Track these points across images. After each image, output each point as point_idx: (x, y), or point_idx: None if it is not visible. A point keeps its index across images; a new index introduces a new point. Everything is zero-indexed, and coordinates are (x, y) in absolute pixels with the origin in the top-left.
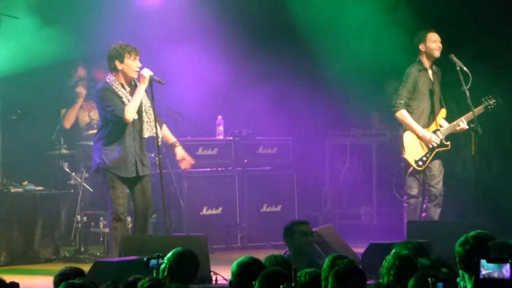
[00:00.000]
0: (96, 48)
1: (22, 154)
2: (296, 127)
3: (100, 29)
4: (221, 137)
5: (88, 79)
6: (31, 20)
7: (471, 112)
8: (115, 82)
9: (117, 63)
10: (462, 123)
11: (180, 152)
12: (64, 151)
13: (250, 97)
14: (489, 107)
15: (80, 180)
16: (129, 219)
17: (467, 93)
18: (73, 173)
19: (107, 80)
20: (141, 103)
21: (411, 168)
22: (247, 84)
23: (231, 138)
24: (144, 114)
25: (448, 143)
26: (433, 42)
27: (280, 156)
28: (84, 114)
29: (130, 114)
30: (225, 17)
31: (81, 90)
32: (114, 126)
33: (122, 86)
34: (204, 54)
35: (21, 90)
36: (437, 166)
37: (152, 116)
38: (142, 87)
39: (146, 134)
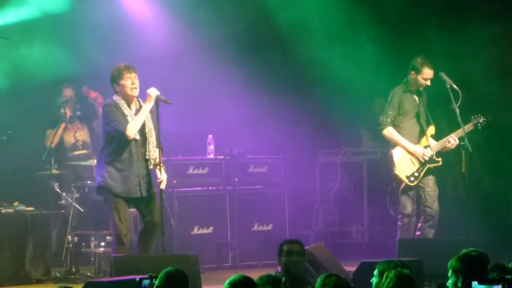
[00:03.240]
0: (86, 68)
1: (13, 174)
2: (286, 145)
3: (90, 49)
4: (211, 156)
5: (78, 99)
6: (21, 40)
7: (461, 129)
8: (121, 101)
9: (115, 86)
10: (453, 139)
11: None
12: (54, 171)
13: (240, 116)
14: (478, 125)
15: (70, 200)
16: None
17: (457, 110)
18: (64, 193)
19: (114, 98)
20: (145, 124)
21: (403, 184)
22: (238, 103)
23: (222, 157)
24: (148, 135)
25: (439, 159)
26: (424, 80)
27: (271, 174)
28: (69, 135)
29: (132, 131)
30: (214, 36)
31: (65, 111)
32: (117, 145)
33: (128, 105)
34: (194, 73)
35: (11, 111)
36: (431, 186)
37: (154, 138)
38: (147, 106)
39: (148, 155)
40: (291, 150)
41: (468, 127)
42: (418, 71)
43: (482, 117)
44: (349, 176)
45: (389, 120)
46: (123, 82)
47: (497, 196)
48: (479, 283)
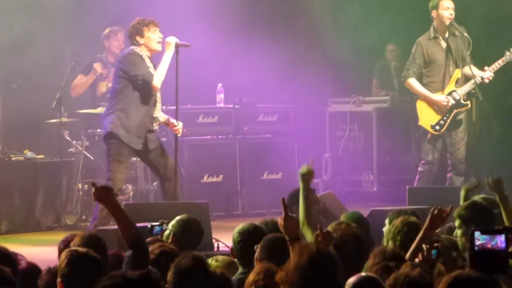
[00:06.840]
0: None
1: (23, 122)
2: (296, 94)
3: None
4: (221, 105)
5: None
6: None
7: (489, 66)
8: (143, 52)
9: (138, 38)
10: (477, 79)
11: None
12: (64, 119)
13: (250, 65)
14: None
15: (81, 148)
16: (130, 187)
17: (468, 59)
18: (74, 141)
19: (134, 48)
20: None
21: (429, 134)
22: (247, 52)
23: (232, 105)
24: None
25: (468, 102)
26: (445, 10)
27: (281, 123)
28: (102, 85)
29: (158, 81)
30: None
31: (98, 67)
32: (137, 95)
33: (148, 57)
34: (205, 22)
35: (21, 58)
36: (458, 134)
37: None
38: (168, 54)
39: (159, 108)
40: (300, 98)
41: (502, 61)
42: (436, 6)
43: None
44: (359, 125)
45: (411, 71)
46: (149, 34)
47: (507, 145)
48: (482, 233)
